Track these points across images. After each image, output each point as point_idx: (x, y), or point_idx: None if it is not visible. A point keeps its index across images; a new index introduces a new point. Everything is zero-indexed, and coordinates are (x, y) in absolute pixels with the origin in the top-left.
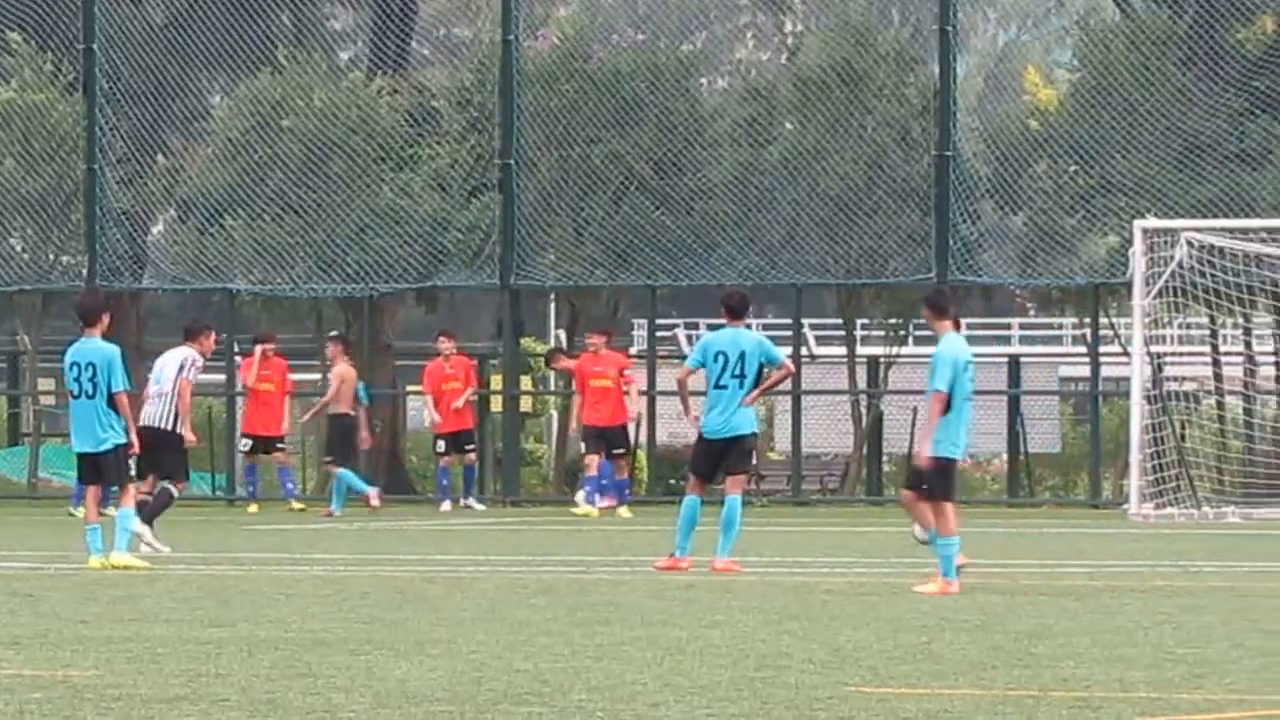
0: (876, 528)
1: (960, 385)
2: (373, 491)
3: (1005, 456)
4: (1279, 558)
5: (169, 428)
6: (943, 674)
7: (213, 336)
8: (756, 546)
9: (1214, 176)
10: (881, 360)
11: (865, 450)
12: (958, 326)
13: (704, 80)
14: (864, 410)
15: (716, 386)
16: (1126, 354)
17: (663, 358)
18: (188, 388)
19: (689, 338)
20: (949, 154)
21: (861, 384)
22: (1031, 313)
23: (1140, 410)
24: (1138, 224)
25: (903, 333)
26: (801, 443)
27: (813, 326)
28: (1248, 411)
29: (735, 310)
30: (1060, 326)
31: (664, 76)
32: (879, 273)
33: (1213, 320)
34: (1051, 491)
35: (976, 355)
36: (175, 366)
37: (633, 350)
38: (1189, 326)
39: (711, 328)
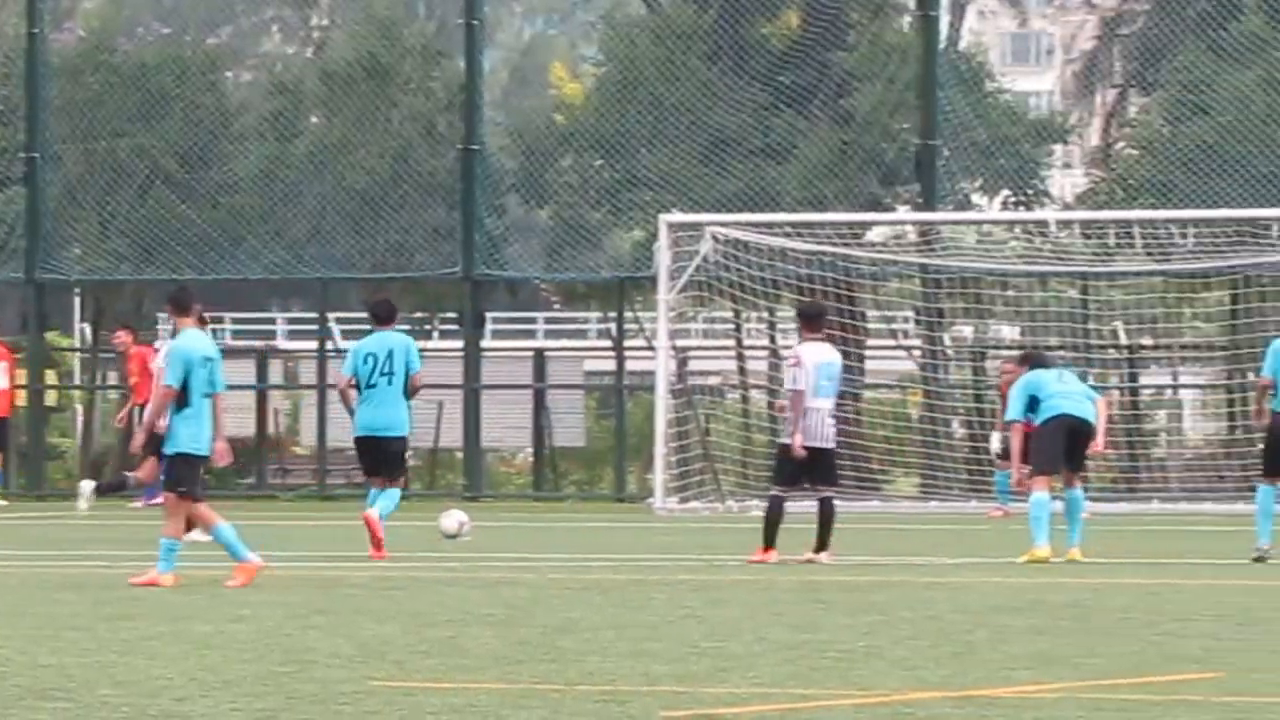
0: (401, 522)
1: (197, 380)
2: None
3: (531, 451)
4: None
5: None
6: (469, 668)
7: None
8: (282, 540)
9: (739, 171)
10: None
11: None
12: (203, 324)
13: (230, 74)
14: None
15: (368, 386)
16: (651, 348)
17: None
18: None
19: (214, 332)
20: (475, 148)
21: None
22: (557, 307)
23: (665, 404)
24: (663, 218)
25: (429, 327)
26: (328, 436)
27: (339, 320)
28: (772, 405)
29: (380, 316)
30: (586, 321)
31: (190, 70)
32: (405, 267)
33: (737, 314)
34: (577, 485)
35: (503, 349)
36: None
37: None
38: (714, 321)
39: (237, 321)
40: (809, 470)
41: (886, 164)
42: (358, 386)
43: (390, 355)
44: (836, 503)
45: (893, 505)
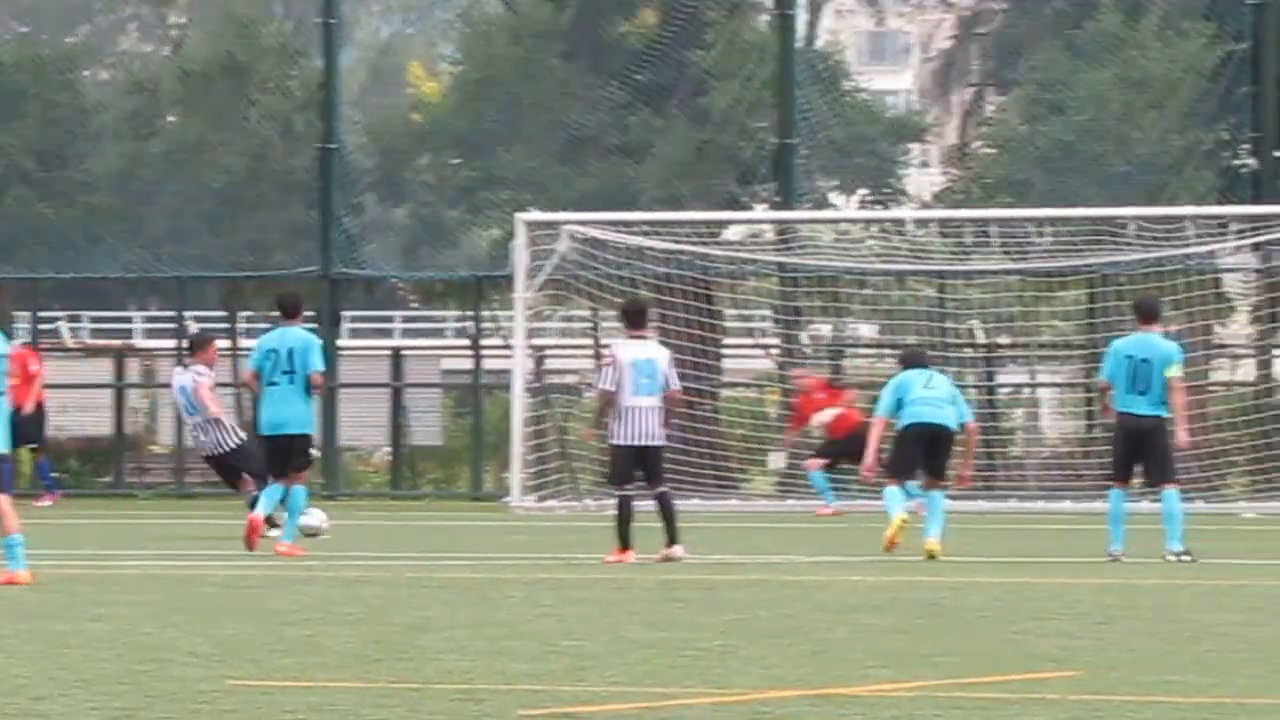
0: None
1: None
2: None
3: (388, 449)
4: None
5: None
6: (326, 667)
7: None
8: (140, 539)
9: (596, 170)
10: None
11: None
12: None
13: (87, 72)
14: (246, 403)
15: (269, 384)
16: (508, 347)
17: (46, 350)
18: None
19: (73, 331)
20: (332, 147)
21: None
22: (414, 306)
23: (522, 403)
24: (520, 217)
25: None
26: (185, 435)
27: (196, 319)
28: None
29: (286, 310)
30: (443, 320)
31: (47, 68)
32: (263, 265)
33: (594, 313)
34: (434, 484)
35: (360, 348)
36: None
37: (17, 343)
38: (571, 319)
39: (96, 320)
40: (640, 468)
41: (744, 162)
42: (260, 381)
43: (290, 354)
44: (696, 501)
45: (750, 503)
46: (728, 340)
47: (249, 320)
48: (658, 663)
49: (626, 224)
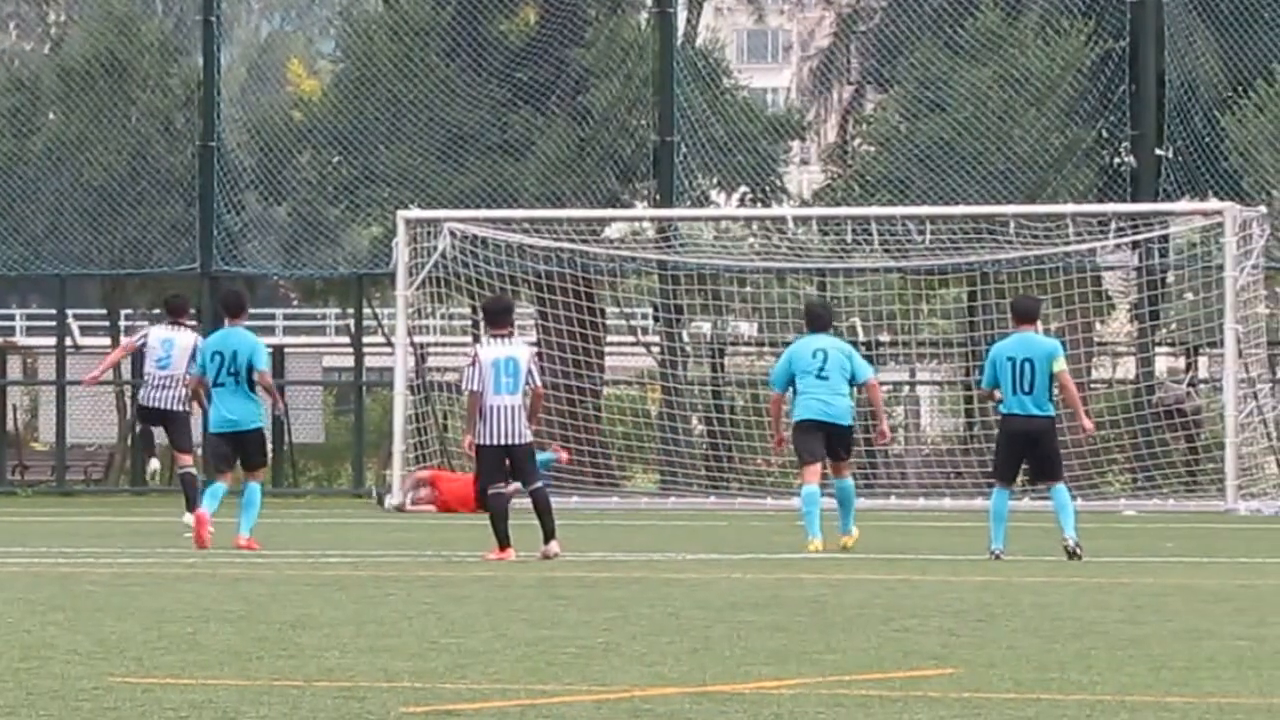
0: (140, 518)
1: None
2: None
3: (269, 447)
4: (572, 547)
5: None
6: (207, 664)
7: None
8: (21, 537)
9: (477, 167)
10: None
11: (130, 440)
12: None
13: None
14: (128, 400)
15: (215, 385)
16: (390, 344)
17: None
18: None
19: None
20: (213, 144)
21: (126, 374)
22: (295, 303)
23: (403, 401)
24: (401, 215)
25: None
26: (66, 433)
27: (77, 317)
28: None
29: (229, 309)
30: (324, 317)
31: None
32: (144, 263)
33: (475, 310)
34: (315, 481)
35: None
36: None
37: None
38: (452, 317)
39: None
40: (509, 467)
41: (624, 160)
42: (206, 384)
43: (235, 355)
44: (576, 499)
45: (631, 501)
46: (609, 338)
47: (127, 318)
48: (539, 660)
49: (507, 221)
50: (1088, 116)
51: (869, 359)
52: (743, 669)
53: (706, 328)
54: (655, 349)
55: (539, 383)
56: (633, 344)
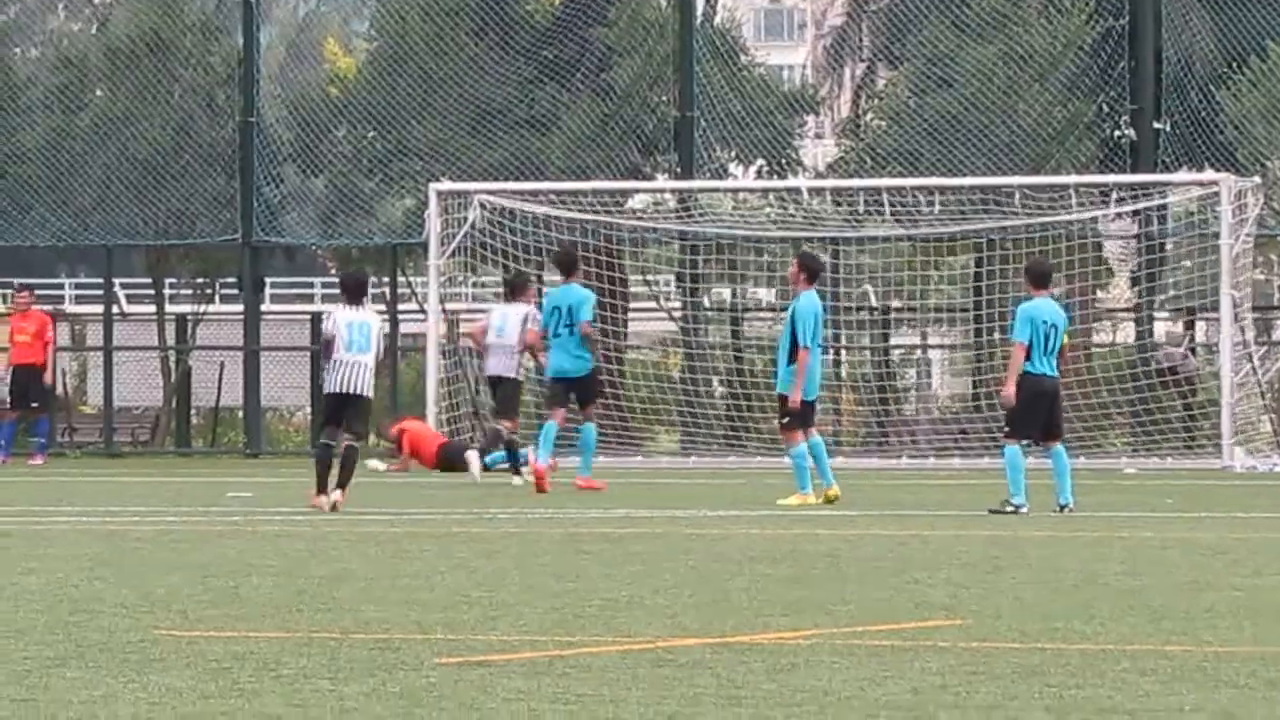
0: (184, 478)
1: None
2: None
3: (308, 410)
4: (595, 504)
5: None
6: (249, 617)
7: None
8: (70, 496)
9: (505, 142)
10: (189, 318)
11: (175, 404)
12: None
13: (17, 49)
14: (173, 365)
15: (554, 336)
16: (423, 311)
17: None
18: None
19: (3, 297)
20: (253, 120)
21: (170, 340)
22: (333, 271)
23: (436, 365)
24: (433, 187)
25: (209, 291)
26: (114, 396)
27: (124, 286)
28: (538, 368)
29: (565, 268)
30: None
31: None
32: (187, 234)
33: (504, 279)
34: None
35: (281, 313)
36: (520, 322)
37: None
38: (482, 285)
39: (26, 286)
40: (344, 416)
41: (646, 135)
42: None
43: (570, 309)
44: (602, 459)
45: (654, 460)
46: (632, 304)
47: (171, 286)
48: (566, 612)
49: (534, 193)
50: (1089, 91)
51: (881, 323)
52: (761, 620)
53: (726, 294)
54: (676, 315)
55: (380, 351)
56: (655, 310)
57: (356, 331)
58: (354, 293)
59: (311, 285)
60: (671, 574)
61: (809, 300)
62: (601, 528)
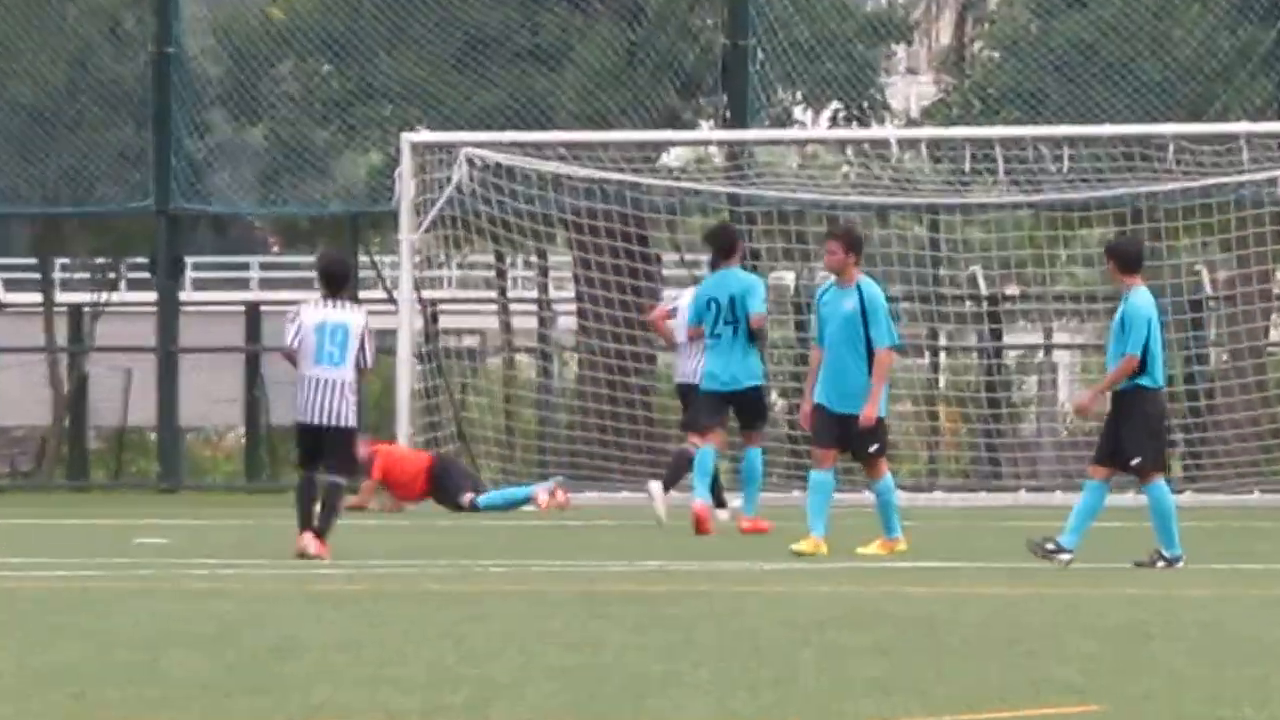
0: (80, 519)
1: None
2: None
3: (243, 430)
4: (621, 553)
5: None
6: (168, 702)
7: None
8: None
9: (501, 80)
10: (86, 310)
11: (66, 423)
12: None
13: None
14: (64, 372)
15: (712, 336)
16: (392, 300)
17: None
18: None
19: None
20: (170, 51)
21: (61, 340)
22: (275, 250)
23: (410, 371)
24: (406, 138)
25: (113, 275)
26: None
27: (1, 268)
28: (544, 372)
29: (723, 248)
30: (310, 267)
31: None
32: (84, 199)
33: (500, 259)
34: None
35: (207, 303)
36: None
37: None
38: (471, 267)
39: None
40: (322, 452)
41: (685, 70)
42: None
43: (732, 301)
44: (626, 494)
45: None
46: (666, 291)
47: (63, 268)
48: (580, 693)
49: (539, 146)
50: (1265, 12)
51: (991, 316)
52: (835, 704)
53: (789, 278)
54: None
55: (370, 360)
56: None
57: (329, 338)
58: (335, 282)
59: (246, 267)
60: (718, 643)
61: (871, 288)
62: (626, 584)
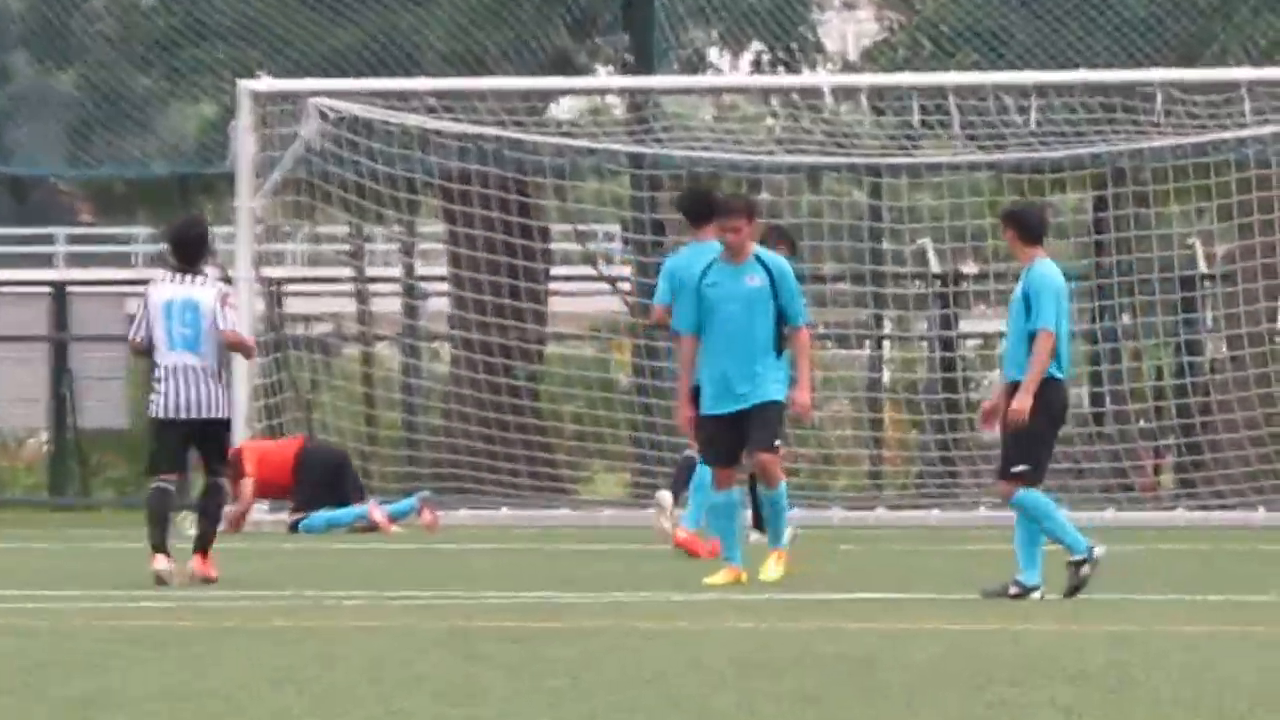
0: None
1: None
2: None
3: (47, 436)
4: (412, 584)
5: None
6: None
7: None
8: None
9: (358, 16)
10: None
11: None
12: None
13: None
14: None
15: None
16: (227, 280)
17: None
18: None
19: None
20: None
21: None
22: (86, 219)
23: (248, 364)
24: (244, 85)
25: None
26: None
27: None
28: (410, 369)
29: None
30: (129, 240)
31: None
32: None
33: (358, 231)
34: (115, 487)
35: (3, 284)
36: None
37: None
38: (321, 240)
39: None
40: (195, 447)
41: (579, 5)
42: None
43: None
44: (506, 511)
45: (588, 514)
46: (556, 270)
47: None
48: None
49: (403, 96)
50: None
51: (944, 298)
52: None
53: None
54: (625, 287)
55: (229, 324)
56: (592, 280)
57: (178, 318)
58: (188, 253)
59: (51, 240)
60: (617, 690)
61: (774, 258)
62: (506, 619)
